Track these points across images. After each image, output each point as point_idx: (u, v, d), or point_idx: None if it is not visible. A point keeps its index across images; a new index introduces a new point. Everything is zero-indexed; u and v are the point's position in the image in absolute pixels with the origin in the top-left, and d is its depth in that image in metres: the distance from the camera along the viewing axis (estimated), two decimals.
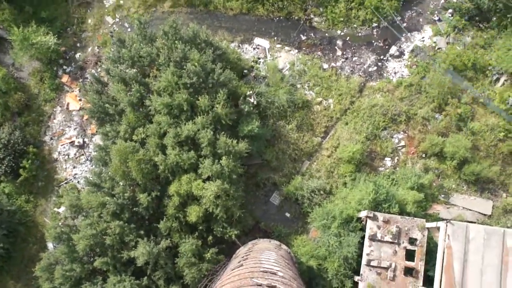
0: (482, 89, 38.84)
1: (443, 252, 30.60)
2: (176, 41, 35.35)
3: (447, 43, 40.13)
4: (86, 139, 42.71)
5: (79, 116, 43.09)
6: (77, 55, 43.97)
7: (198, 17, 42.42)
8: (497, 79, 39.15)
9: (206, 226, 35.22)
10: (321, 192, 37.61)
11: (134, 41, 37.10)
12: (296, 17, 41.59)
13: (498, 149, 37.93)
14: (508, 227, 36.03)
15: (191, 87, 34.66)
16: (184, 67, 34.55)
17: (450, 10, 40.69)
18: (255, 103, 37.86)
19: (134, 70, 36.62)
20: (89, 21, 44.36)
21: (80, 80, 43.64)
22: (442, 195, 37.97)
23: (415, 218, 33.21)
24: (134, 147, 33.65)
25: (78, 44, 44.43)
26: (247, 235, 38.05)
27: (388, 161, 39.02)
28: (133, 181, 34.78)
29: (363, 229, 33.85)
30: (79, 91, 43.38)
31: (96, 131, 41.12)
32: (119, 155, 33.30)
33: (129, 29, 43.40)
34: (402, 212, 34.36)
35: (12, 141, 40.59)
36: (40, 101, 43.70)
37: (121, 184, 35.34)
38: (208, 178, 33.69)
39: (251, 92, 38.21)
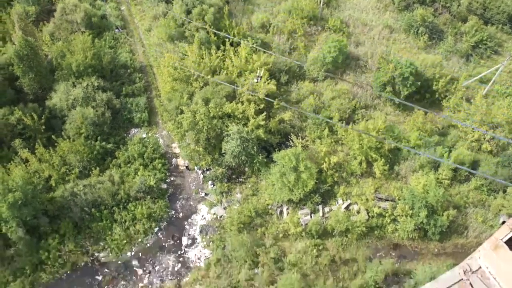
0: (276, 227, 41.80)
1: None
2: None
3: (224, 208, 42.93)
4: None
5: None
6: None
7: None
8: (281, 212, 42.81)
9: None
10: None
11: None
12: (82, 263, 39.69)
13: (320, 264, 40.08)
14: None
15: None
16: None
17: (210, 182, 44.30)
18: None
19: None
20: None
21: None
22: None
23: None
24: None
25: None
26: None
27: None
28: None
29: None
30: None
31: None
32: None
33: None
34: None
35: None
36: None
37: None
38: None
39: None
